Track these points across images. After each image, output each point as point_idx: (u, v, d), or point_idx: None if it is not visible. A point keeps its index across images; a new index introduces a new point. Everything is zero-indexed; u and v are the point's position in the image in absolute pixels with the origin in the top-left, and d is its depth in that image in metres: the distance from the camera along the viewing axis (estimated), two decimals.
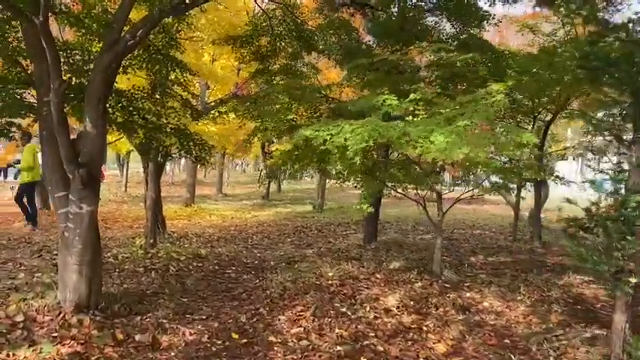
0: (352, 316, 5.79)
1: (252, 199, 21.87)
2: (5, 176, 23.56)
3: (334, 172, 7.99)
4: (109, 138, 16.46)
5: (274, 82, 8.95)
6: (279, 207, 18.78)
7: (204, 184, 31.68)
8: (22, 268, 7.84)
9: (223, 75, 10.15)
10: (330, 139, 5.06)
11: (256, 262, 8.90)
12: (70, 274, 5.57)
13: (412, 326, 5.51)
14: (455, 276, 7.16)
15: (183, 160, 45.56)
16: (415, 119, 5.79)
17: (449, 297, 6.33)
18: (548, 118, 10.00)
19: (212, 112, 8.89)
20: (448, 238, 10.86)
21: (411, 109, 6.02)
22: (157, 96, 7.22)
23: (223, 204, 19.85)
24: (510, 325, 5.50)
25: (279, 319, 5.78)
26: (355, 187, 12.86)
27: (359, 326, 5.52)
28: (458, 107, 5.90)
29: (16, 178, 21.07)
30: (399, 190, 7.55)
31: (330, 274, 7.53)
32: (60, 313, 5.52)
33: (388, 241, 10.20)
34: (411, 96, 6.02)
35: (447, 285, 6.83)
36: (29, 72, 5.84)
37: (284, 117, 6.18)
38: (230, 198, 23.04)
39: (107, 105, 6.09)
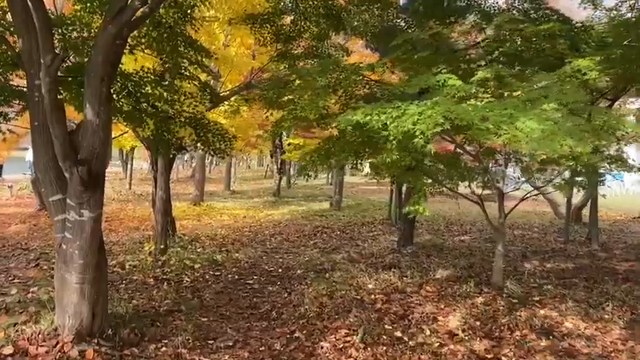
0: (410, 343, 4.78)
1: (262, 197, 20.84)
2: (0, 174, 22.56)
3: (369, 167, 6.99)
4: (113, 132, 15.46)
5: (297, 66, 7.92)
6: (293, 205, 17.74)
7: (209, 180, 30.51)
8: (16, 280, 6.86)
9: (238, 60, 9.11)
10: (392, 122, 4.04)
11: (280, 270, 7.89)
12: (69, 294, 4.58)
13: (488, 356, 4.49)
14: (518, 288, 6.13)
15: (186, 156, 44.48)
16: (480, 103, 4.76)
17: (520, 316, 5.31)
18: (602, 104, 8.96)
19: (231, 100, 7.82)
20: (490, 240, 9.83)
21: (473, 90, 4.98)
22: (169, 79, 6.18)
23: (233, 202, 18.83)
24: (610, 355, 4.48)
25: (322, 347, 4.78)
26: (392, 183, 11.86)
27: (422, 356, 4.51)
28: (535, 88, 4.87)
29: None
30: (450, 188, 6.51)
31: (371, 286, 6.52)
32: (57, 342, 4.53)
33: (425, 244, 9.17)
34: (479, 74, 4.99)
35: (513, 300, 5.80)
36: (17, 50, 4.80)
37: (322, 102, 5.14)
38: (239, 195, 22.02)
39: (111, 89, 5.10)
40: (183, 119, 6.06)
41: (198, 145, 6.54)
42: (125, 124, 6.18)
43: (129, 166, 24.41)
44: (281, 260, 8.61)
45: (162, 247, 8.27)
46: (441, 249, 8.75)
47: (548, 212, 14.26)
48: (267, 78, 7.81)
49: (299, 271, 7.64)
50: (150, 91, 5.94)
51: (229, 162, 23.12)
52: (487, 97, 4.96)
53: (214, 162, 42.89)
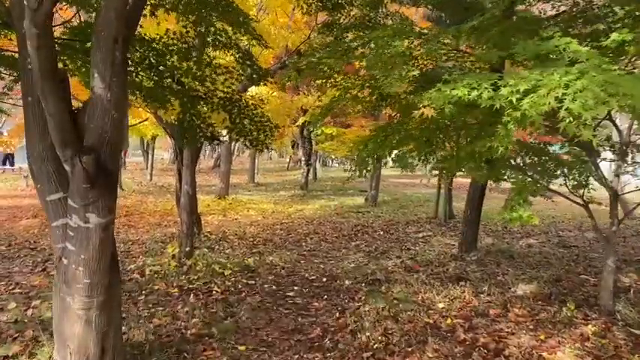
0: None
1: (288, 189, 19.70)
2: (12, 163, 21.81)
3: (437, 160, 5.77)
4: (131, 119, 14.21)
5: (345, 39, 6.70)
6: (323, 199, 16.56)
7: (231, 172, 29.58)
8: (17, 290, 5.83)
9: (276, 33, 7.89)
10: (522, 99, 2.83)
11: (324, 279, 6.74)
12: (71, 324, 3.49)
13: None
14: (634, 312, 4.87)
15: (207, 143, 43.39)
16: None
17: None
18: None
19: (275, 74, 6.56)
20: (563, 244, 8.55)
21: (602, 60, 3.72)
22: (200, 47, 5.00)
23: (259, 195, 17.75)
24: None
25: None
26: (443, 177, 10.58)
27: None
28: None
29: None
30: (547, 187, 5.25)
31: (441, 306, 5.33)
32: None
33: (489, 249, 7.91)
34: (613, 36, 3.73)
35: (633, 330, 4.56)
36: (6, 4, 3.71)
37: (399, 72, 3.94)
38: (263, 188, 20.94)
39: (129, 58, 3.98)
40: (216, 100, 4.92)
41: (233, 134, 5.38)
42: (145, 104, 5.04)
43: (150, 156, 23.40)
44: (322, 266, 7.46)
45: (187, 249, 7.18)
46: (511, 256, 7.48)
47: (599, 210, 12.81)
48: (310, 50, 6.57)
49: (347, 282, 6.47)
50: (176, 64, 4.80)
51: (253, 153, 21.99)
52: (613, 69, 3.69)
53: (236, 153, 42.00)
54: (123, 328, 4.66)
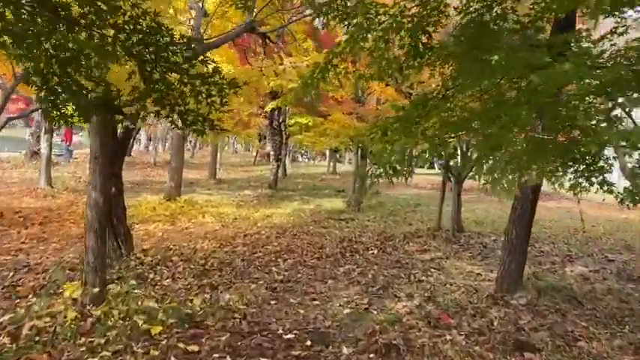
0: None
1: (254, 188, 17.10)
2: None
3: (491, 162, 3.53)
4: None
5: None
6: (296, 200, 14.08)
7: (192, 165, 26.64)
8: None
9: None
10: None
11: (308, 340, 4.35)
12: None
13: None
14: None
15: (168, 133, 39.96)
16: None
17: None
18: None
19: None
20: (628, 277, 6.37)
21: None
22: None
23: (219, 194, 15.13)
24: None
25: None
26: (452, 179, 8.29)
27: None
28: None
29: None
30: None
31: None
32: None
33: (538, 285, 5.63)
34: None
35: None
36: None
37: None
38: (226, 185, 18.27)
39: None
40: (108, 31, 2.43)
41: (148, 104, 2.92)
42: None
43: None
44: (302, 312, 5.07)
45: (96, 290, 4.67)
46: (574, 298, 5.25)
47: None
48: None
49: (345, 350, 4.11)
50: None
51: (215, 145, 19.30)
52: None
53: (198, 144, 39.03)
54: None
